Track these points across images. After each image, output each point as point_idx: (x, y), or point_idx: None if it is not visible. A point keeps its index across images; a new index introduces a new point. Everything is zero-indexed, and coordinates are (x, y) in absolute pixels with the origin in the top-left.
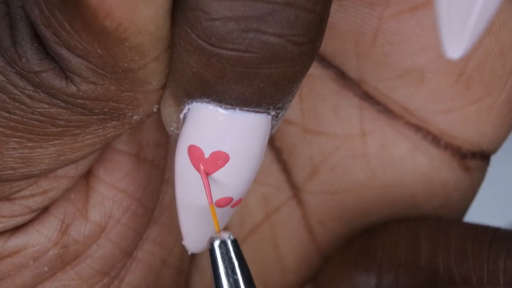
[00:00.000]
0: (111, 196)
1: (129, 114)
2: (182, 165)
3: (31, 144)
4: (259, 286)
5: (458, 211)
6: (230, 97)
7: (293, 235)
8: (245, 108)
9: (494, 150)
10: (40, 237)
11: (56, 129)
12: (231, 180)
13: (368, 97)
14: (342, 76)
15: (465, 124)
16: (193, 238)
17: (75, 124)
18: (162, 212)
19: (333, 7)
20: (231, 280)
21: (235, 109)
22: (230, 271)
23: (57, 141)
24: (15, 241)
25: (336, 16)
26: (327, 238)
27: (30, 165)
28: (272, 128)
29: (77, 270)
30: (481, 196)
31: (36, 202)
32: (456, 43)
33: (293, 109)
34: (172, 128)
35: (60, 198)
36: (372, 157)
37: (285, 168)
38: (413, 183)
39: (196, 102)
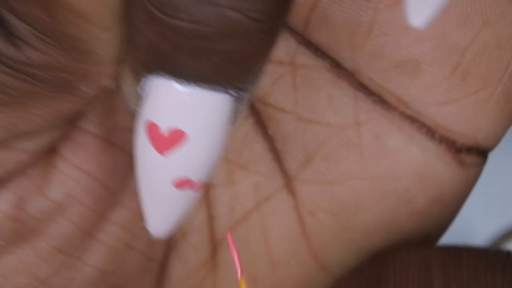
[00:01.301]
0: (74, 176)
1: (82, 88)
2: (140, 142)
3: None
4: (248, 281)
5: (452, 207)
6: (187, 72)
7: (283, 226)
8: (203, 85)
9: (491, 147)
10: None
11: (6, 98)
12: (189, 160)
13: (363, 88)
14: (337, 67)
15: (460, 117)
16: (156, 222)
17: (27, 94)
18: (130, 197)
19: (328, 0)
20: None
21: (192, 85)
22: None
23: (6, 108)
24: None
25: (331, 8)
26: (317, 232)
27: None
28: (237, 112)
29: (36, 248)
30: (481, 196)
31: None
32: (419, 10)
33: (287, 97)
34: (132, 105)
35: (18, 173)
36: (365, 148)
37: (278, 157)
38: (406, 176)
39: (154, 77)
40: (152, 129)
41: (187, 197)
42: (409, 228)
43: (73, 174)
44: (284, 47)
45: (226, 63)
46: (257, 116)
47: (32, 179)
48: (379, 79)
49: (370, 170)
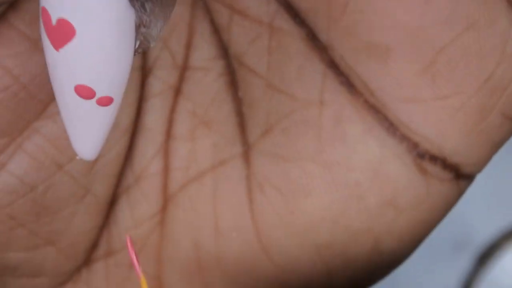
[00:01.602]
0: None
1: None
2: (42, 34)
3: None
4: (191, 244)
5: (407, 217)
6: None
7: (233, 194)
8: None
9: (464, 164)
10: None
11: None
12: (82, 60)
13: (334, 66)
14: (312, 37)
15: (425, 119)
16: (79, 139)
17: None
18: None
19: None
20: None
21: None
22: None
23: None
24: None
25: None
26: (263, 209)
27: None
28: (141, 22)
29: None
30: (481, 196)
31: None
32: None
33: (261, 60)
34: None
35: None
36: (324, 129)
37: (242, 122)
38: (359, 168)
39: None
40: (45, 16)
41: (95, 111)
42: (356, 227)
43: None
44: (265, 6)
45: None
46: (231, 75)
47: None
48: (349, 59)
49: (324, 154)
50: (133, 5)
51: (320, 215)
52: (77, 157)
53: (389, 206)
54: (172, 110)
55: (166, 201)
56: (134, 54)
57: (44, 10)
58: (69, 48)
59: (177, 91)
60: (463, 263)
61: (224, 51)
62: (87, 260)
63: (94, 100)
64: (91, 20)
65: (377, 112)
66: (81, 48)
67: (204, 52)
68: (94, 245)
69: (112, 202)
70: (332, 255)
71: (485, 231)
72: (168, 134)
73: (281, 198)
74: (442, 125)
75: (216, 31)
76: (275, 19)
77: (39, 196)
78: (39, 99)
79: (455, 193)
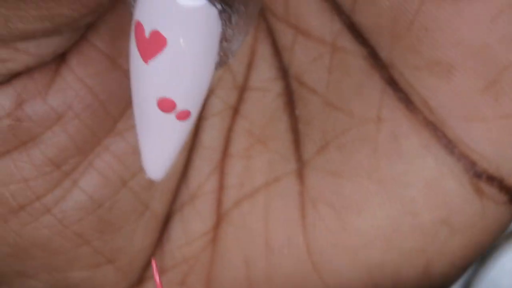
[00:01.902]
0: (76, 88)
1: None
2: (131, 49)
3: None
4: (242, 261)
5: (462, 239)
6: None
7: (285, 211)
8: None
9: None
10: None
11: None
12: (168, 72)
13: (393, 83)
14: (373, 56)
15: (485, 137)
16: (151, 157)
17: None
18: (128, 127)
19: None
20: None
21: None
22: None
23: (3, 3)
24: None
25: None
26: (315, 225)
27: None
28: (224, 36)
29: (30, 155)
30: None
31: None
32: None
33: (321, 79)
34: (131, 7)
35: (23, 74)
36: (381, 145)
37: (297, 139)
38: (415, 185)
39: None
40: (138, 29)
41: (173, 125)
42: (409, 246)
43: (75, 85)
44: (329, 26)
45: None
46: (290, 95)
47: (36, 82)
48: (410, 76)
49: (380, 170)
50: (221, 18)
51: (373, 232)
52: (146, 176)
53: (443, 225)
54: (230, 129)
55: (219, 218)
56: (215, 69)
57: (139, 24)
58: (158, 59)
59: (236, 111)
60: (462, 275)
61: (284, 72)
62: (140, 279)
63: (173, 114)
64: (183, 31)
65: (436, 129)
66: (169, 60)
67: (264, 73)
68: (148, 263)
69: (166, 220)
70: (383, 276)
71: None
72: (225, 153)
73: (334, 214)
74: (502, 145)
75: (277, 52)
76: (338, 39)
77: (105, 212)
78: (112, 116)
79: (509, 217)
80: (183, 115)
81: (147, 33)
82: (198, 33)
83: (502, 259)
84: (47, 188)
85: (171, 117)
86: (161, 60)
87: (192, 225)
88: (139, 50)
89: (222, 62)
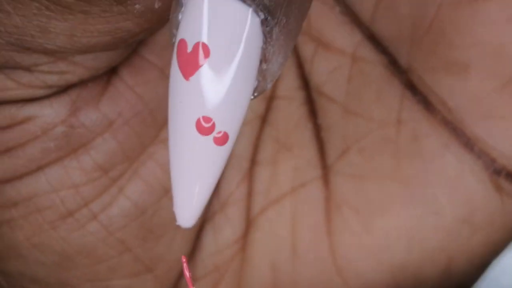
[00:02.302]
0: (127, 96)
1: (136, 5)
2: (172, 68)
3: (48, 13)
4: (268, 265)
5: (481, 236)
6: None
7: (312, 216)
8: None
9: None
10: (51, 110)
11: (68, 0)
12: (209, 88)
13: (412, 86)
14: (393, 63)
15: (503, 135)
16: (183, 198)
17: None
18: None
19: None
20: None
21: None
22: None
23: (69, 16)
24: (29, 109)
25: None
26: (339, 229)
27: (47, 37)
28: (263, 57)
29: (80, 160)
30: None
31: (52, 79)
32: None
33: (340, 89)
34: (173, 38)
35: (78, 84)
36: (402, 147)
37: (321, 147)
38: (437, 183)
39: None
40: (181, 46)
41: (211, 151)
42: (432, 246)
43: (126, 93)
44: (349, 37)
45: None
46: (311, 104)
47: (90, 90)
48: (428, 78)
49: (402, 170)
50: (263, 31)
51: (396, 233)
52: (176, 223)
53: (464, 223)
54: (258, 137)
55: (248, 225)
56: (252, 97)
57: (182, 42)
58: (200, 74)
59: (264, 119)
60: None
61: (306, 82)
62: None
63: (211, 137)
64: (226, 38)
65: (455, 128)
66: (211, 74)
67: (289, 82)
68: (181, 273)
69: (200, 229)
70: (405, 277)
71: None
72: (253, 160)
73: (357, 217)
74: None
75: (300, 63)
76: (358, 49)
77: (147, 220)
78: (159, 123)
79: None
80: (222, 139)
81: (189, 48)
82: (241, 42)
83: (502, 259)
84: (95, 194)
85: (209, 140)
86: (202, 74)
87: (223, 233)
88: (180, 67)
89: (260, 88)
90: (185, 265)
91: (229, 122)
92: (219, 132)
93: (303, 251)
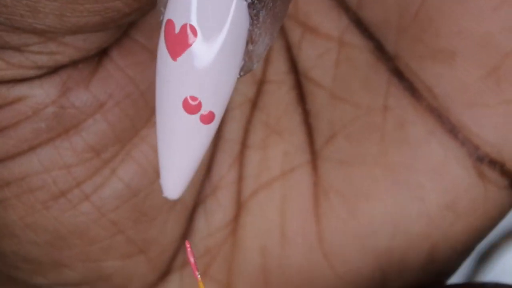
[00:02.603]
0: (117, 77)
1: None
2: (159, 49)
3: None
4: (257, 250)
5: (466, 223)
6: None
7: (300, 201)
8: None
9: None
10: (41, 91)
11: None
12: (196, 68)
13: (398, 73)
14: (380, 49)
15: (487, 122)
16: (170, 171)
17: None
18: None
19: None
20: None
21: None
22: None
23: None
24: (19, 89)
25: None
26: (326, 214)
27: (36, 16)
28: (250, 38)
29: (72, 141)
30: None
31: (42, 60)
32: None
33: (327, 74)
34: (162, 15)
35: (68, 65)
36: (388, 133)
37: (310, 132)
38: (422, 170)
39: None
40: (168, 27)
41: (198, 129)
42: (416, 231)
43: (117, 75)
44: (336, 22)
45: None
46: (300, 89)
47: (80, 71)
48: (414, 65)
49: (388, 156)
50: (249, 14)
51: (381, 218)
52: (162, 195)
53: (448, 210)
54: (248, 121)
55: (239, 208)
56: (238, 76)
57: (169, 22)
58: (187, 54)
59: (254, 103)
60: (463, 262)
61: (294, 66)
62: (167, 270)
63: (198, 116)
64: (213, 22)
65: (440, 115)
66: (199, 53)
67: (279, 66)
68: (174, 255)
69: (192, 212)
70: (389, 262)
71: None
72: (243, 144)
73: (344, 202)
74: (504, 129)
75: (289, 47)
76: (345, 34)
77: (140, 202)
78: (150, 106)
79: (509, 202)
80: (208, 118)
81: (177, 29)
82: (228, 25)
83: (502, 259)
84: (87, 175)
85: (195, 119)
86: (190, 54)
87: (214, 216)
88: (168, 48)
89: (247, 67)
90: (189, 250)
91: (216, 102)
92: (206, 111)
93: (292, 236)
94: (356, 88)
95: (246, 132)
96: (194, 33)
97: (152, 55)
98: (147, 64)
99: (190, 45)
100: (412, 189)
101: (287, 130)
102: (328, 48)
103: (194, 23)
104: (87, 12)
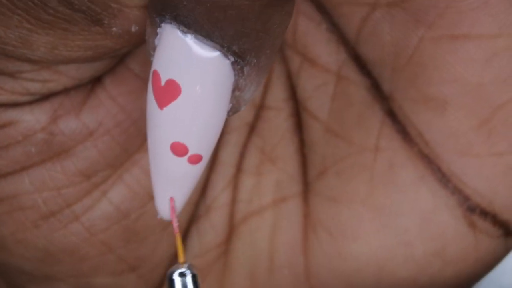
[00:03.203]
0: (107, 105)
1: (106, 22)
2: (148, 95)
3: (29, 26)
4: (246, 275)
5: (454, 270)
6: (183, 15)
7: (290, 232)
8: (200, 37)
9: None
10: (32, 117)
11: (47, 17)
12: (182, 118)
13: (392, 115)
14: (376, 87)
15: (478, 173)
16: (163, 199)
17: (62, 16)
18: None
19: (380, 13)
20: None
21: (191, 35)
22: None
23: (50, 31)
24: (10, 113)
25: (382, 23)
26: (314, 249)
27: (29, 48)
28: (237, 86)
29: (63, 166)
30: None
31: (35, 87)
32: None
33: (323, 107)
34: (151, 57)
35: (60, 92)
36: (377, 174)
37: (303, 162)
38: (409, 215)
39: (165, 23)
40: (155, 78)
41: (185, 169)
42: (402, 275)
43: (107, 103)
44: (335, 55)
45: (217, 10)
46: (298, 117)
47: (72, 99)
48: (408, 109)
49: (376, 198)
50: (233, 69)
51: (367, 260)
52: (158, 216)
53: (436, 257)
54: (244, 146)
55: (231, 231)
56: (227, 116)
57: (156, 73)
58: (173, 106)
59: (251, 128)
60: None
61: (294, 93)
62: (158, 284)
63: (185, 158)
64: (196, 81)
65: (431, 162)
66: (183, 107)
67: (279, 93)
68: (166, 271)
69: (185, 231)
70: None
71: None
72: (238, 168)
73: (330, 240)
74: (495, 181)
75: (289, 74)
76: (343, 68)
77: (131, 223)
78: (143, 132)
79: (503, 250)
80: (195, 159)
81: (163, 82)
82: (211, 83)
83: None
84: (77, 197)
85: (183, 161)
86: (175, 107)
87: (206, 237)
88: (155, 97)
89: (234, 109)
90: (171, 206)
91: (202, 146)
92: (193, 154)
93: (279, 265)
94: (350, 124)
95: (241, 156)
96: (178, 89)
97: (145, 84)
98: (140, 93)
99: (175, 99)
100: (399, 233)
101: (281, 159)
102: (325, 81)
103: (178, 79)
104: (78, 47)
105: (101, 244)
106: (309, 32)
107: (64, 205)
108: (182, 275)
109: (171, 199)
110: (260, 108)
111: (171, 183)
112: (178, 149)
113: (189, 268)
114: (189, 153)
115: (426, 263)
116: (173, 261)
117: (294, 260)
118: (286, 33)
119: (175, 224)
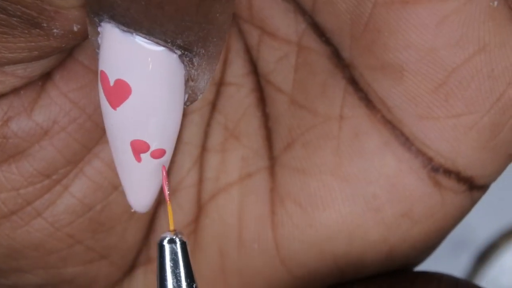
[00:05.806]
0: (60, 103)
1: (45, 25)
2: (100, 94)
3: None
4: (216, 252)
5: (422, 227)
6: (119, 14)
7: (257, 206)
8: (141, 35)
9: (478, 177)
10: None
11: None
12: (137, 116)
13: (354, 83)
14: (336, 55)
15: (439, 136)
16: (134, 193)
17: (4, 24)
18: None
19: None
20: (174, 277)
21: (133, 34)
22: (175, 268)
23: None
24: None
25: None
26: (283, 222)
27: None
28: (189, 77)
29: (18, 166)
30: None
31: None
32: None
33: (286, 78)
34: (97, 55)
35: (10, 93)
36: (343, 143)
37: (268, 136)
38: (377, 181)
39: (104, 22)
40: (103, 78)
41: (150, 164)
42: (373, 238)
43: (59, 100)
44: (294, 25)
45: (154, 7)
46: (260, 92)
47: (22, 99)
48: (368, 76)
49: (343, 167)
50: (182, 61)
51: (337, 227)
52: (132, 210)
53: (404, 218)
54: (207, 124)
55: (199, 211)
56: (184, 106)
57: (103, 73)
58: (126, 106)
59: (213, 106)
60: (463, 262)
61: (254, 67)
62: (131, 267)
63: (148, 154)
64: (145, 78)
65: (394, 127)
66: (137, 105)
67: (238, 68)
68: (137, 255)
69: (153, 213)
70: (348, 264)
71: (484, 231)
72: (203, 147)
73: (300, 211)
74: (456, 142)
75: (248, 49)
76: (303, 38)
77: (96, 215)
78: (100, 126)
79: (469, 203)
80: (158, 154)
81: (111, 82)
82: (161, 78)
83: (502, 258)
84: (37, 195)
85: (146, 156)
86: (128, 106)
87: (175, 217)
88: (106, 98)
89: (192, 99)
90: (164, 173)
91: (163, 140)
92: (155, 148)
93: (248, 241)
94: (314, 94)
95: (205, 135)
96: (128, 88)
97: (96, 76)
98: (91, 86)
99: (126, 98)
100: (368, 200)
101: (245, 134)
102: (286, 52)
103: (126, 79)
104: (22, 49)
105: (68, 237)
106: (265, 5)
107: (25, 204)
108: (171, 241)
109: (163, 167)
110: (220, 85)
111: (138, 179)
112: (139, 147)
113: (178, 235)
114: (151, 149)
115: (396, 225)
116: (143, 246)
117: (263, 234)
118: (240, 10)
119: (167, 193)
